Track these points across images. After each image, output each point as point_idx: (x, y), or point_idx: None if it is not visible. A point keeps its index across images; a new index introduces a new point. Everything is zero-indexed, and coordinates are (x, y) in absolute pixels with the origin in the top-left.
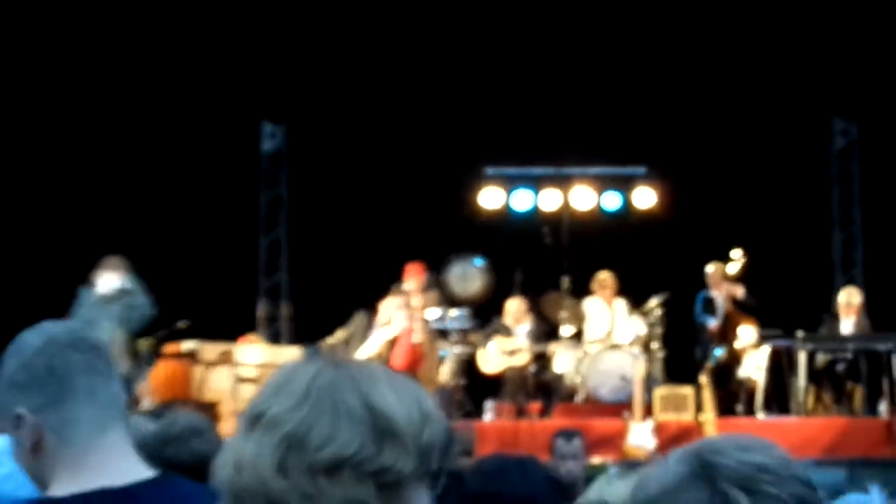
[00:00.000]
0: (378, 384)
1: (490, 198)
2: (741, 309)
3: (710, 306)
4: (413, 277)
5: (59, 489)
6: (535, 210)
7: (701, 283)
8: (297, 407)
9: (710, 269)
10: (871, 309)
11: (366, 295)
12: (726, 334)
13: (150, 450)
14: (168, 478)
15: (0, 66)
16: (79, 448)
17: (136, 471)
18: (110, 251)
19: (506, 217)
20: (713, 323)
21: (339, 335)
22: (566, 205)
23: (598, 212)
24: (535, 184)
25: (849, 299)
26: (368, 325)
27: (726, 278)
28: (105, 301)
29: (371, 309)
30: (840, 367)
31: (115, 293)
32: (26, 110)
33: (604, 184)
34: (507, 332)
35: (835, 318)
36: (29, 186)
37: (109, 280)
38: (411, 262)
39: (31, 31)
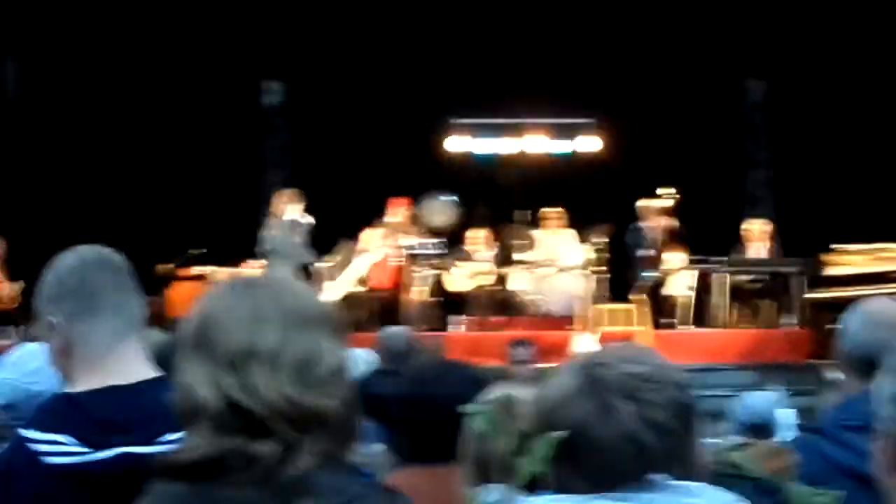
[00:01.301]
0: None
1: (456, 143)
2: (670, 238)
3: (640, 236)
4: (397, 209)
5: (79, 386)
6: (495, 154)
7: (636, 216)
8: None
9: (640, 203)
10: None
11: (352, 225)
12: (655, 260)
13: (160, 356)
14: (168, 378)
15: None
16: (98, 353)
17: (143, 372)
18: (140, 195)
19: (469, 160)
20: (643, 250)
21: (328, 260)
22: (521, 150)
23: (549, 156)
24: (495, 131)
25: (761, 228)
26: (352, 252)
27: (656, 212)
28: (292, 228)
29: (354, 238)
30: (751, 286)
31: (298, 223)
32: (56, 80)
33: (555, 132)
34: (469, 257)
35: (741, 245)
36: (71, 142)
37: (294, 211)
38: (394, 197)
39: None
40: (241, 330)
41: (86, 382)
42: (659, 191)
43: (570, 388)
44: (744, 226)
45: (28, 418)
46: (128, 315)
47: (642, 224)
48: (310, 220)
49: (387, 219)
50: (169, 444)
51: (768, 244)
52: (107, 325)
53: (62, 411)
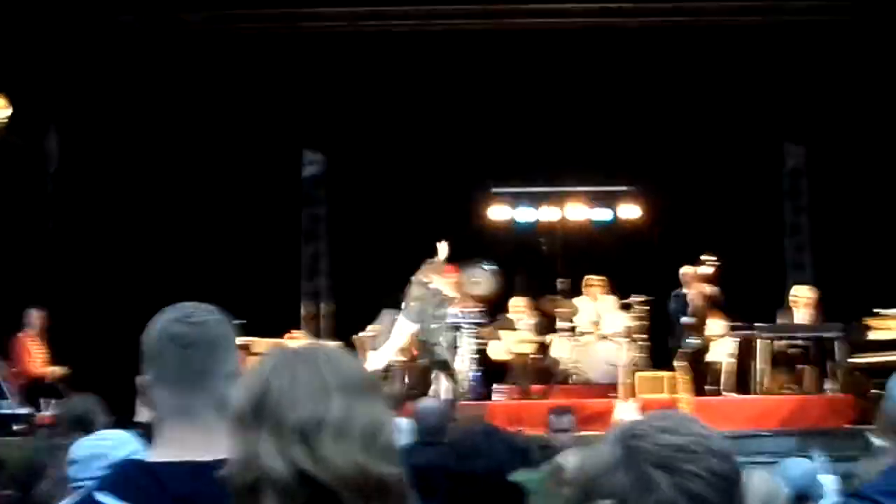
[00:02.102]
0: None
1: (497, 212)
2: (712, 305)
3: (682, 303)
4: (450, 277)
5: (157, 456)
6: (536, 223)
7: (677, 283)
8: None
9: (684, 270)
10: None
11: (394, 295)
12: (699, 327)
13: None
14: None
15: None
16: (181, 423)
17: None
18: (182, 266)
19: (511, 229)
20: (685, 317)
21: (370, 330)
22: (562, 218)
23: (590, 224)
24: (535, 200)
25: (808, 294)
26: (394, 321)
27: (698, 279)
28: (434, 295)
29: (397, 307)
30: (793, 352)
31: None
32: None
33: (595, 200)
34: (511, 326)
35: (788, 311)
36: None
37: (441, 282)
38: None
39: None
40: (308, 400)
41: (164, 453)
42: (703, 257)
43: (609, 458)
44: (792, 292)
45: (98, 478)
46: (217, 388)
47: (685, 291)
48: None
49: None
50: None
51: (813, 311)
52: (195, 397)
53: (138, 479)
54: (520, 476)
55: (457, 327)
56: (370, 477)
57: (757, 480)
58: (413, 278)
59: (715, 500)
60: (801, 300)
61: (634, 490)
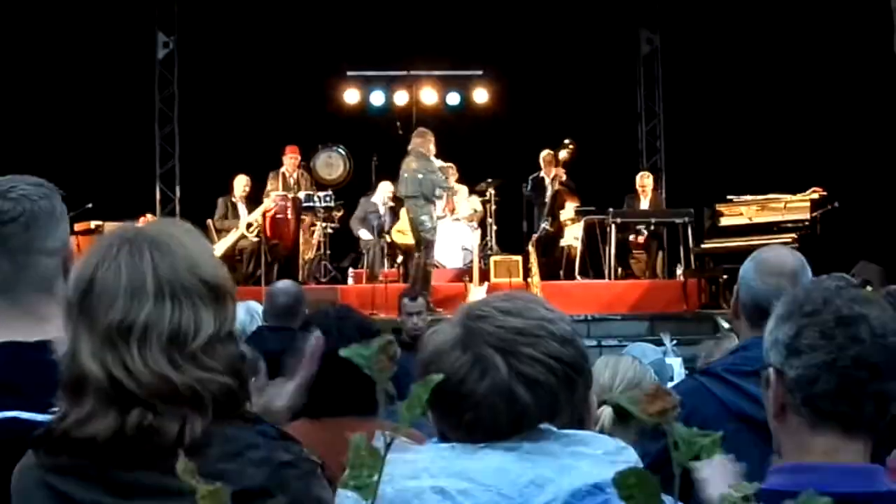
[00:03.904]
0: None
1: (350, 96)
2: (567, 190)
3: (538, 186)
4: (293, 158)
5: None
6: (389, 106)
7: (527, 169)
8: None
9: (543, 154)
10: (669, 188)
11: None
12: (553, 211)
13: None
14: None
15: None
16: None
17: (49, 331)
18: (32, 145)
19: (364, 112)
20: (541, 200)
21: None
22: (415, 101)
23: (442, 107)
24: (388, 84)
25: (642, 181)
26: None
27: (556, 163)
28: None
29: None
30: (643, 237)
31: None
32: None
33: (446, 84)
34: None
35: (635, 197)
36: None
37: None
38: (289, 145)
39: None
40: (123, 300)
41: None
42: (565, 141)
43: (449, 337)
44: (637, 179)
45: None
46: (39, 265)
47: (542, 175)
48: None
49: (283, 169)
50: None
51: (651, 194)
52: (15, 274)
53: None
54: (348, 352)
55: (309, 210)
56: (176, 386)
57: (623, 364)
58: None
59: (554, 384)
60: (648, 187)
61: (472, 370)
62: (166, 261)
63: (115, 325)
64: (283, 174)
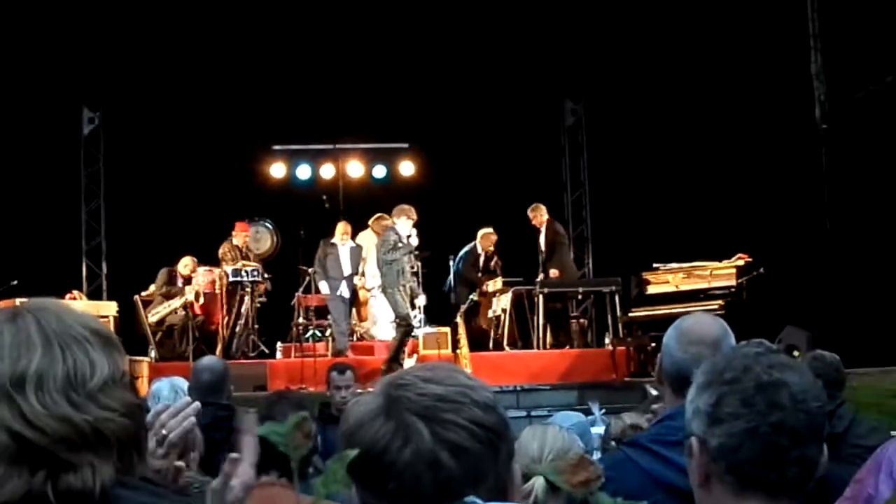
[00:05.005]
0: None
1: (277, 170)
2: (495, 264)
3: (475, 260)
4: (241, 234)
5: None
6: (315, 180)
7: (455, 240)
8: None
9: (484, 231)
10: (596, 257)
11: (172, 255)
12: (481, 283)
13: None
14: None
15: None
16: None
17: None
18: None
19: (290, 186)
20: (472, 274)
21: (151, 289)
22: (341, 174)
23: (369, 180)
24: (315, 157)
25: (534, 217)
26: (170, 279)
27: (488, 238)
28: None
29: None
30: (571, 306)
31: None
32: None
33: (372, 157)
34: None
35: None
36: None
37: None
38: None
39: None
40: (9, 357)
41: None
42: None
43: (372, 408)
44: (529, 213)
45: None
46: None
47: (480, 251)
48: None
49: (236, 241)
50: None
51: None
52: None
53: None
54: (264, 429)
55: (237, 285)
56: (79, 426)
57: (550, 434)
58: None
59: (478, 451)
60: (541, 218)
61: (394, 438)
62: (51, 318)
63: (7, 378)
64: (237, 246)
